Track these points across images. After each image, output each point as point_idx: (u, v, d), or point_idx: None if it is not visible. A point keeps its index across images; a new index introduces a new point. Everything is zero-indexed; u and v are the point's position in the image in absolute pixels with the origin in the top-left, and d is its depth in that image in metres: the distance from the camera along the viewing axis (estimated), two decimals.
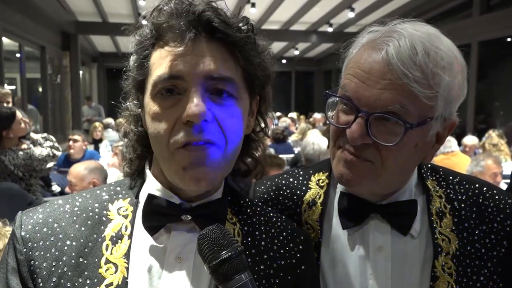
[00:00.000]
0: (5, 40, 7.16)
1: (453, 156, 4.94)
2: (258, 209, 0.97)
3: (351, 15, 10.53)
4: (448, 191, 1.03)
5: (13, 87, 9.21)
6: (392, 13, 10.93)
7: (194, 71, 0.77)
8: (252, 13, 9.70)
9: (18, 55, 8.05)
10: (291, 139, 7.98)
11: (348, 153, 0.92)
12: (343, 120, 0.93)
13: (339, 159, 0.94)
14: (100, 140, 7.72)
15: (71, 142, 5.68)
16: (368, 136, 0.87)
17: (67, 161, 5.34)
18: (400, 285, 0.96)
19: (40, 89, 9.36)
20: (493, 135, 5.69)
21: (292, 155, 6.11)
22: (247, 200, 0.98)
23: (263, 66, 0.85)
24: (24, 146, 3.47)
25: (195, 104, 0.75)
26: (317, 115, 11.75)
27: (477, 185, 1.05)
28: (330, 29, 12.09)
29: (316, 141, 3.87)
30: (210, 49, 0.78)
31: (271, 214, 0.97)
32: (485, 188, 1.04)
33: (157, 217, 0.84)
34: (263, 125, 0.94)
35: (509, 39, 8.46)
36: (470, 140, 6.17)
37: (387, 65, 0.85)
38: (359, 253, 0.99)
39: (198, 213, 0.84)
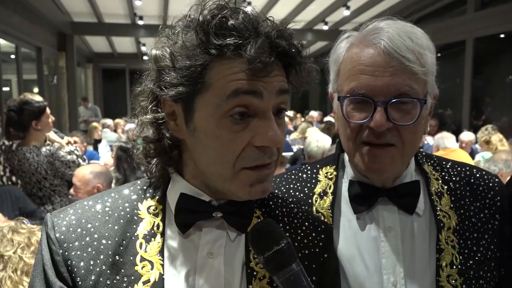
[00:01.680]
0: (1, 41, 7.14)
1: (452, 152, 5.00)
2: (280, 201, 0.99)
3: (347, 13, 10.56)
4: (443, 174, 1.14)
5: (7, 88, 9.19)
6: (386, 10, 10.95)
7: (269, 90, 0.77)
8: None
9: (13, 56, 8.03)
10: (290, 138, 8.02)
11: (372, 144, 1.00)
12: (359, 117, 1.01)
13: (364, 153, 1.02)
14: (99, 141, 7.71)
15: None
16: (389, 121, 0.97)
17: None
18: (411, 260, 1.05)
19: (37, 90, 9.32)
20: (492, 131, 5.75)
21: (291, 153, 6.15)
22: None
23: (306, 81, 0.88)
24: (47, 143, 3.51)
25: (275, 132, 0.78)
26: (314, 113, 11.80)
27: (467, 168, 1.17)
28: (325, 27, 12.13)
29: (320, 139, 3.94)
30: (278, 69, 0.80)
31: (292, 205, 1.00)
32: (474, 170, 1.17)
33: (189, 214, 0.86)
34: None
35: (503, 36, 8.54)
36: (467, 136, 6.23)
37: (388, 55, 0.97)
38: (370, 234, 1.07)
39: (228, 210, 0.86)
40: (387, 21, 1.04)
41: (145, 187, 0.93)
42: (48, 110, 3.52)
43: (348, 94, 1.02)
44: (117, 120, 10.15)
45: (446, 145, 5.18)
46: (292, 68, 0.83)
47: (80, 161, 3.49)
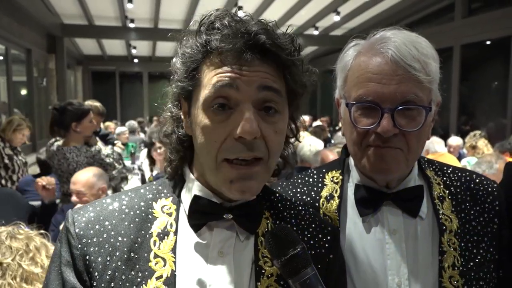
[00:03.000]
0: None
1: (440, 156, 5.09)
2: (288, 203, 1.03)
3: (337, 18, 10.67)
4: (444, 179, 1.19)
5: None
6: (376, 16, 11.13)
7: (248, 86, 0.82)
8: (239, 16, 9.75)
9: (1, 58, 7.96)
10: None
11: (379, 147, 1.05)
12: (366, 122, 1.06)
13: (371, 155, 1.07)
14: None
15: None
16: (395, 127, 1.01)
17: None
18: (415, 262, 1.09)
19: (26, 92, 9.24)
20: (480, 137, 5.87)
21: None
22: (277, 194, 1.04)
23: (304, 83, 0.91)
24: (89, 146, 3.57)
25: (249, 122, 0.80)
26: (305, 118, 11.88)
27: (467, 173, 1.22)
28: (316, 32, 12.24)
29: (313, 143, 3.99)
30: (262, 67, 0.84)
31: (300, 208, 1.03)
32: (474, 175, 1.21)
33: (201, 215, 0.91)
34: (294, 130, 0.99)
35: (489, 42, 8.71)
36: (454, 140, 6.37)
37: (395, 63, 1.01)
38: (375, 237, 1.11)
39: (238, 212, 0.91)
40: (393, 30, 1.09)
41: (160, 187, 0.98)
42: (91, 115, 3.59)
43: (356, 101, 1.06)
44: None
45: (436, 149, 5.28)
46: (285, 69, 0.86)
47: (116, 164, 3.57)
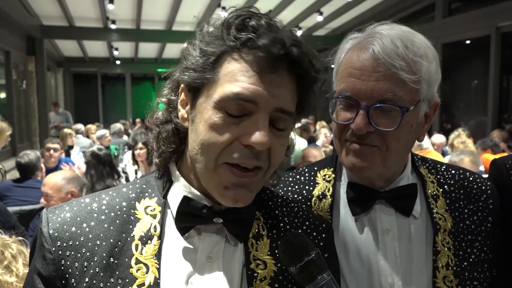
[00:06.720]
0: None
1: (427, 154, 5.14)
2: (280, 200, 0.99)
3: (320, 18, 10.72)
4: (438, 177, 1.17)
5: None
6: (358, 16, 11.21)
7: (269, 102, 0.78)
8: (223, 17, 9.72)
9: None
10: None
11: (355, 143, 1.02)
12: (345, 117, 1.04)
13: (347, 151, 1.04)
14: (72, 147, 7.51)
15: (51, 151, 5.43)
16: (371, 125, 0.99)
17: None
18: (408, 262, 1.07)
19: (5, 95, 9.03)
20: (461, 134, 5.96)
21: None
22: (268, 192, 1.00)
23: (315, 100, 0.89)
24: None
25: (263, 134, 0.77)
26: None
27: (461, 171, 1.20)
28: (299, 32, 12.27)
29: (298, 143, 4.00)
30: (285, 81, 0.81)
31: (293, 204, 1.00)
32: (467, 173, 1.19)
33: (190, 218, 0.86)
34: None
35: (469, 42, 8.85)
36: (438, 138, 6.47)
37: (376, 60, 0.98)
38: (368, 236, 1.09)
39: (229, 216, 0.86)
40: (388, 25, 1.05)
41: (144, 186, 0.93)
42: None
43: (337, 95, 1.05)
44: (88, 126, 9.95)
45: (415, 147, 5.33)
46: (309, 85, 0.85)
47: None
